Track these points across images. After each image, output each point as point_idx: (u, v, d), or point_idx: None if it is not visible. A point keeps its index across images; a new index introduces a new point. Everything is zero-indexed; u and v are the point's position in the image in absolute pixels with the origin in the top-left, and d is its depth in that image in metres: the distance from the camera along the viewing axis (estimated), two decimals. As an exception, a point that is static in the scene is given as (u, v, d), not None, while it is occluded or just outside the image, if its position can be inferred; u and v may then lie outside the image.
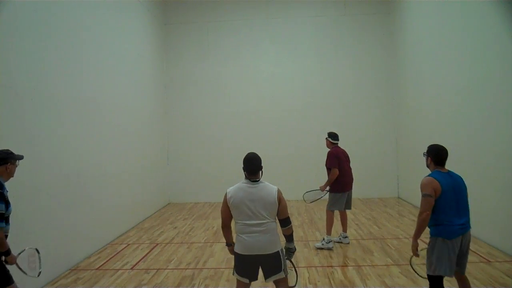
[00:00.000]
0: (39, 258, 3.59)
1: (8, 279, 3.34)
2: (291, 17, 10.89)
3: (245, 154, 3.33)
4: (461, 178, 3.48)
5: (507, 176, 5.40)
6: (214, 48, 10.99)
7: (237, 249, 3.25)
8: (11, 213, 3.40)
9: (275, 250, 3.20)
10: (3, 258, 3.26)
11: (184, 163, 10.99)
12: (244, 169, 3.27)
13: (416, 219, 7.90)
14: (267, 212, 3.16)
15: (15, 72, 4.63)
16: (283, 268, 3.24)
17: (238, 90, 10.92)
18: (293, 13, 10.87)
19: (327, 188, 6.24)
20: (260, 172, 3.29)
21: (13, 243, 3.59)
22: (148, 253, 6.25)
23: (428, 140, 8.25)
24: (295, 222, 7.96)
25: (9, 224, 3.35)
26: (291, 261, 3.52)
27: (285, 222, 3.29)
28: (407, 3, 9.46)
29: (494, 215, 5.63)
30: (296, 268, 3.50)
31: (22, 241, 4.09)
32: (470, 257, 5.38)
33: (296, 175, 10.61)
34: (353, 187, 6.47)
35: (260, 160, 3.30)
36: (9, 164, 3.37)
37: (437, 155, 3.51)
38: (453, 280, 4.64)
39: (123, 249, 6.52)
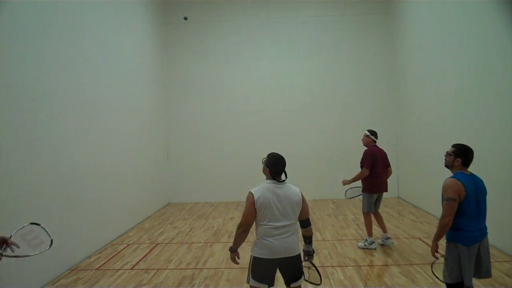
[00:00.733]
0: (43, 228, 3.13)
1: None
2: (291, 17, 10.89)
3: (268, 154, 3.23)
4: (483, 182, 3.35)
5: (507, 176, 5.40)
6: (214, 48, 10.99)
7: (259, 253, 3.09)
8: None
9: (298, 252, 3.16)
10: None
11: (184, 163, 10.99)
12: (271, 169, 3.15)
13: (416, 219, 7.92)
14: (294, 213, 3.10)
15: (15, 72, 4.63)
16: (303, 273, 3.22)
17: (238, 90, 10.93)
18: (293, 13, 10.87)
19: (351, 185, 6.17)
20: (284, 173, 3.21)
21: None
22: (148, 253, 6.25)
23: (428, 140, 8.30)
24: (295, 222, 7.96)
25: None
26: (312, 263, 3.40)
27: (306, 222, 3.22)
28: (407, 3, 9.46)
29: (494, 215, 5.59)
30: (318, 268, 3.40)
31: (22, 241, 4.09)
32: (470, 257, 5.40)
33: (296, 175, 10.55)
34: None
35: (285, 162, 3.22)
36: None
37: (466, 156, 3.35)
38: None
39: (123, 249, 6.52)
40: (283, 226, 3.06)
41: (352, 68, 10.76)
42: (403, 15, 9.77)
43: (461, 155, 3.36)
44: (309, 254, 3.32)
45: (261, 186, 3.16)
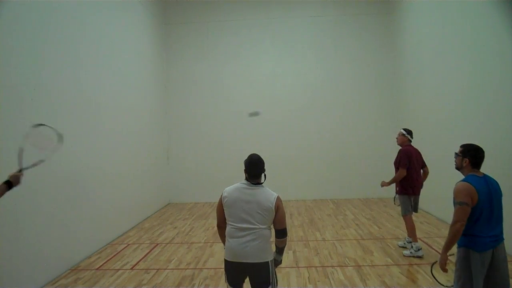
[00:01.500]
0: (48, 126, 3.25)
1: None
2: (291, 17, 10.89)
3: (248, 155, 3.18)
4: (497, 183, 3.13)
5: (507, 176, 5.39)
6: (214, 48, 10.99)
7: (225, 255, 3.06)
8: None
9: (265, 260, 2.96)
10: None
11: (184, 163, 10.99)
12: (246, 171, 3.11)
13: (416, 219, 7.92)
14: (261, 218, 2.96)
15: (15, 72, 4.63)
16: (271, 281, 2.99)
17: (238, 90, 10.92)
18: (293, 13, 10.87)
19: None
20: (263, 175, 3.13)
21: (13, 243, 3.59)
22: (148, 253, 6.26)
23: (428, 140, 8.29)
24: (295, 222, 7.96)
25: None
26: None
27: (281, 233, 3.06)
28: (407, 3, 9.46)
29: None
30: (276, 279, 3.14)
31: (22, 241, 4.10)
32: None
33: (296, 175, 10.62)
34: (395, 189, 6.01)
35: (264, 164, 3.14)
36: None
37: (476, 156, 3.12)
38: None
39: (123, 249, 6.52)
40: (246, 229, 2.95)
41: (352, 68, 10.76)
42: (403, 15, 9.77)
43: (468, 155, 3.15)
44: (276, 263, 3.14)
45: (233, 185, 3.13)
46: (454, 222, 2.98)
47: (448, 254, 3.09)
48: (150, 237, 7.28)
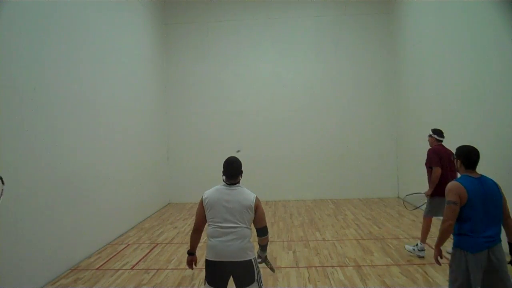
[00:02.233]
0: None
1: None
2: (291, 17, 10.89)
3: (227, 157, 3.28)
4: (496, 185, 3.13)
5: (507, 175, 5.39)
6: (214, 48, 10.99)
7: (207, 255, 3.10)
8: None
9: (247, 258, 3.02)
10: None
11: (184, 163, 10.99)
12: (223, 172, 3.20)
13: (416, 219, 7.92)
14: (242, 217, 3.04)
15: (15, 72, 4.63)
16: (256, 278, 3.05)
17: (238, 90, 10.92)
18: (293, 13, 10.87)
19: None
20: (240, 176, 3.22)
21: (13, 243, 3.59)
22: (148, 253, 6.25)
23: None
24: (295, 222, 7.96)
25: None
26: (266, 263, 3.39)
27: (261, 231, 3.17)
28: (407, 3, 9.46)
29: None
30: (274, 267, 3.49)
31: (22, 241, 4.10)
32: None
33: (296, 175, 10.62)
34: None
35: (241, 165, 3.24)
36: None
37: (467, 157, 3.18)
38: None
39: (123, 249, 6.52)
40: (228, 228, 3.02)
41: (352, 68, 10.76)
42: (403, 15, 9.77)
43: (460, 156, 3.24)
44: (261, 258, 3.29)
45: (212, 188, 3.22)
46: (443, 221, 3.09)
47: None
48: (150, 237, 7.28)
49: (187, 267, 3.34)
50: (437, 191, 5.35)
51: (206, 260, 3.10)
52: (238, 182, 3.21)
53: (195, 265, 3.33)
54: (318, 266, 5.28)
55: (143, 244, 6.78)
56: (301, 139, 10.76)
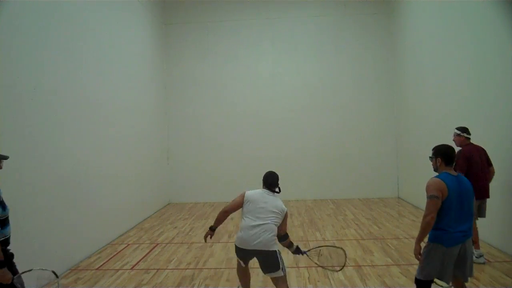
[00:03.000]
0: (59, 284, 3.16)
1: None
2: (291, 17, 10.89)
3: (266, 172, 4.04)
4: (470, 185, 3.32)
5: (507, 175, 5.40)
6: (214, 48, 10.99)
7: (236, 242, 3.76)
8: (9, 215, 3.15)
9: (272, 249, 3.62)
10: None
11: (184, 163, 10.99)
12: (264, 183, 3.95)
13: (416, 219, 7.91)
14: (273, 216, 3.69)
15: (15, 72, 4.63)
16: (281, 267, 3.63)
17: (238, 90, 10.93)
18: (293, 13, 10.87)
19: None
20: (278, 188, 3.94)
21: (13, 243, 3.58)
22: (148, 253, 6.25)
23: (428, 140, 8.28)
24: (295, 222, 7.96)
25: (6, 226, 3.02)
26: (302, 252, 4.01)
27: (284, 237, 3.85)
28: (407, 3, 9.46)
29: (494, 215, 5.62)
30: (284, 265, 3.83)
31: (22, 241, 4.09)
32: (470, 257, 5.38)
33: (296, 175, 10.61)
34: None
35: (278, 178, 3.97)
36: None
37: (446, 154, 3.35)
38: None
39: (123, 249, 6.52)
40: (260, 225, 3.64)
41: (352, 68, 10.77)
42: (403, 15, 9.77)
43: (440, 154, 3.39)
44: (297, 251, 3.96)
45: (256, 190, 3.92)
46: (425, 215, 3.18)
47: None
48: (150, 237, 7.28)
49: (204, 240, 4.13)
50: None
51: (235, 246, 3.80)
52: (277, 191, 3.93)
53: (211, 238, 4.08)
54: (318, 266, 5.27)
55: (143, 244, 6.78)
56: (301, 139, 10.76)
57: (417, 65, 8.96)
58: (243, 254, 3.75)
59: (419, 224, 7.65)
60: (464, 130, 5.36)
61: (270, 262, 3.63)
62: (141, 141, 8.93)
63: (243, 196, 3.84)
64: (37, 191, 4.86)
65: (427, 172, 9.03)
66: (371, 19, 10.75)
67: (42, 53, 5.16)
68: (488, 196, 5.18)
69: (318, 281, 4.77)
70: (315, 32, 10.86)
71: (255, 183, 10.12)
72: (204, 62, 10.98)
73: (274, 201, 3.79)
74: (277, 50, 10.90)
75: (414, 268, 5.08)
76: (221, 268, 5.39)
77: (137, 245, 6.76)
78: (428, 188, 3.22)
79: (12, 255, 2.94)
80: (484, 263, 5.09)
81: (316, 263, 4.12)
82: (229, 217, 4.11)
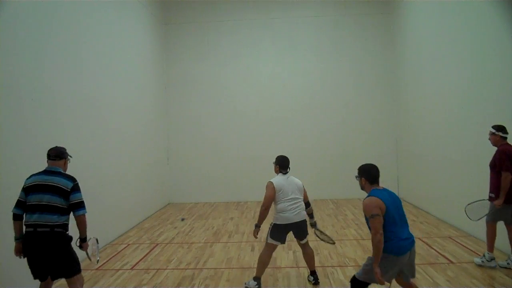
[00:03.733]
0: (98, 247, 4.20)
1: (79, 266, 3.78)
2: (291, 17, 10.89)
3: (277, 156, 4.85)
4: (394, 192, 3.44)
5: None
6: (214, 48, 10.99)
7: (279, 221, 4.48)
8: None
9: (304, 218, 4.60)
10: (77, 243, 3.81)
11: (184, 163, 10.99)
12: (280, 164, 4.73)
13: (416, 219, 7.92)
14: (299, 193, 4.63)
15: (15, 72, 4.63)
16: (308, 232, 4.67)
17: (238, 90, 10.92)
18: (293, 13, 10.87)
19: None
20: (288, 168, 4.76)
21: (13, 243, 3.59)
22: (148, 253, 6.26)
23: (428, 140, 8.30)
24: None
25: (32, 213, 3.52)
26: (320, 230, 4.94)
27: (308, 204, 4.77)
28: (407, 3, 9.46)
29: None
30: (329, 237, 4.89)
31: (22, 241, 4.09)
32: (470, 257, 5.39)
33: (296, 175, 10.55)
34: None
35: (289, 161, 4.82)
36: (67, 159, 3.88)
37: (369, 174, 3.46)
38: (454, 280, 4.65)
39: (123, 249, 6.52)
40: (295, 200, 4.53)
41: (352, 68, 10.76)
42: (403, 15, 9.77)
43: (363, 174, 3.50)
44: (313, 225, 4.86)
45: (277, 177, 4.67)
46: (373, 234, 3.19)
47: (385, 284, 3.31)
48: (150, 237, 7.28)
49: (253, 236, 4.65)
50: (508, 198, 4.77)
51: (276, 224, 4.51)
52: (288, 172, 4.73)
53: (257, 234, 4.60)
54: (318, 266, 5.27)
55: (143, 244, 6.78)
56: (300, 139, 10.75)
57: (417, 65, 8.96)
58: (288, 229, 4.51)
59: (419, 224, 7.69)
60: (500, 128, 4.91)
61: (304, 229, 4.58)
62: (141, 141, 8.93)
63: (272, 188, 4.52)
64: (37, 191, 4.85)
65: (427, 172, 9.04)
66: (371, 19, 10.75)
67: (42, 53, 5.16)
68: None
69: (318, 281, 4.77)
70: (315, 32, 10.86)
71: (255, 183, 10.13)
72: (204, 62, 10.98)
73: (293, 181, 4.66)
74: (277, 50, 10.90)
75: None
76: (221, 268, 5.40)
77: (137, 245, 6.77)
78: (366, 208, 3.26)
79: (70, 238, 3.71)
80: (495, 267, 4.96)
81: (317, 236, 4.91)
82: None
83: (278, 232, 4.51)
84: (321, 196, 10.57)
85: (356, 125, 10.71)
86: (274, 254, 4.80)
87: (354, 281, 3.43)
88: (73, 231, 3.74)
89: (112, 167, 7.14)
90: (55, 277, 3.67)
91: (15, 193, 3.68)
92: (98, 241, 4.21)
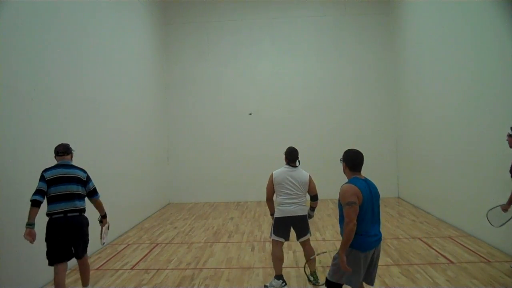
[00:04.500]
0: (107, 232, 4.84)
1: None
2: (291, 17, 10.89)
3: (287, 148, 4.74)
4: (376, 187, 3.33)
5: (507, 176, 5.39)
6: (214, 48, 10.99)
7: (277, 214, 4.51)
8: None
9: (304, 214, 4.54)
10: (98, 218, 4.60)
11: (184, 163, 10.99)
12: (287, 157, 4.62)
13: (416, 219, 7.91)
14: (302, 188, 4.49)
15: (15, 72, 4.63)
16: (309, 230, 4.63)
17: (238, 90, 10.92)
18: (293, 13, 10.87)
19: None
20: (298, 161, 4.62)
21: (13, 243, 3.59)
22: (148, 253, 6.26)
23: (428, 140, 8.30)
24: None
25: (59, 202, 4.01)
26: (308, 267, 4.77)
27: (314, 197, 4.69)
28: (407, 3, 9.46)
29: (494, 215, 5.62)
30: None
31: (23, 241, 4.09)
32: (470, 257, 5.39)
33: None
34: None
35: (298, 153, 4.67)
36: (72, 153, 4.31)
37: (352, 160, 3.31)
38: (454, 281, 4.65)
39: (123, 249, 6.52)
40: (290, 194, 4.47)
41: (352, 68, 10.76)
42: (403, 15, 9.77)
43: (346, 159, 3.35)
44: (310, 215, 4.74)
45: (279, 169, 4.62)
46: (347, 222, 3.07)
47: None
48: (150, 237, 7.28)
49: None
50: None
51: (277, 218, 4.53)
52: (297, 165, 4.61)
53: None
54: (318, 266, 5.27)
55: (143, 244, 6.78)
56: (300, 139, 10.71)
57: (417, 65, 8.96)
58: (287, 223, 4.49)
59: (419, 224, 7.68)
60: None
61: (303, 226, 4.55)
62: (141, 141, 8.93)
63: (271, 180, 4.56)
64: (37, 191, 4.85)
65: (427, 172, 9.05)
66: (371, 19, 10.75)
67: (42, 53, 5.16)
68: None
69: (319, 281, 4.76)
70: (315, 32, 10.86)
71: (255, 183, 10.13)
72: (204, 62, 10.98)
73: (298, 175, 4.52)
74: (277, 50, 10.90)
75: (414, 268, 5.10)
76: (221, 268, 5.40)
77: (137, 245, 6.76)
78: (344, 195, 3.12)
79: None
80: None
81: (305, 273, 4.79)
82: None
83: (279, 227, 4.53)
84: (321, 196, 10.37)
85: (356, 125, 10.71)
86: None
87: (328, 283, 3.32)
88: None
89: (112, 167, 7.14)
90: (73, 257, 4.18)
91: (16, 192, 3.69)
92: (109, 228, 4.87)
